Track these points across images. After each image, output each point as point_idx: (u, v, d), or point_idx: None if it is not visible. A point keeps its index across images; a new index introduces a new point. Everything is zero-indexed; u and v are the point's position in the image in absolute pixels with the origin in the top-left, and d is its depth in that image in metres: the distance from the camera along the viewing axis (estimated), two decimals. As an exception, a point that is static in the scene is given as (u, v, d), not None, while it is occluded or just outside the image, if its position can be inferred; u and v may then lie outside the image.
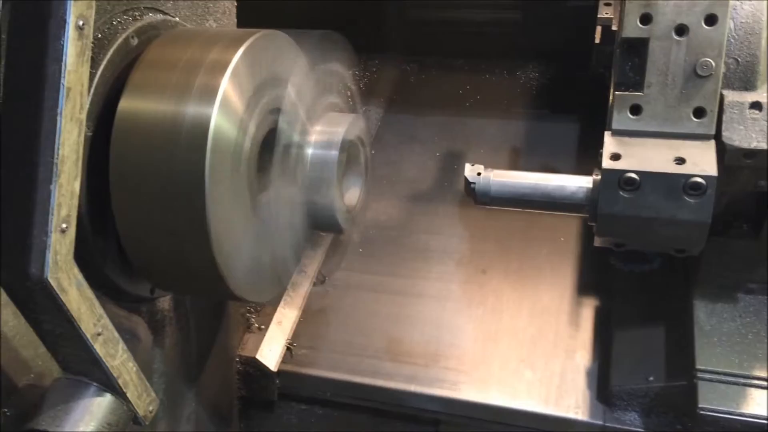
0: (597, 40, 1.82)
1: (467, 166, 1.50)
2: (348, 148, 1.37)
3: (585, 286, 1.91)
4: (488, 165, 1.52)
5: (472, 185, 1.50)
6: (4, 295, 1.02)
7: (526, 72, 2.41)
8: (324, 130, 1.34)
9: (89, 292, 1.04)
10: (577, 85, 2.26)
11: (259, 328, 1.82)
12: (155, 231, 1.20)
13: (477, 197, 1.50)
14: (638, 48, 1.37)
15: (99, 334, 1.06)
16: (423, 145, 2.32)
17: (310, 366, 1.82)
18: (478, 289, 1.96)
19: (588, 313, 1.87)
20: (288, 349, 1.82)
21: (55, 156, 0.97)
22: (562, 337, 1.82)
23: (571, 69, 2.30)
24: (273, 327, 1.83)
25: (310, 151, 1.33)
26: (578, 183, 1.45)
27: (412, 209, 2.18)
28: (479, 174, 1.50)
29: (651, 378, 1.61)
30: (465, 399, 1.74)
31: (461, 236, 2.09)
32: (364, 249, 2.07)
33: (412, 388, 1.77)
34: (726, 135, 1.32)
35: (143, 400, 1.17)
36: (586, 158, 1.51)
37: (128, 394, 1.13)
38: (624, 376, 1.65)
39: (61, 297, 0.99)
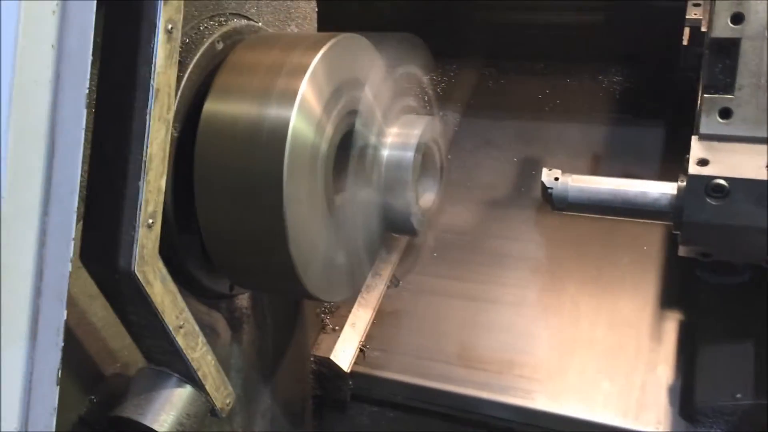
0: (685, 42, 1.75)
1: (544, 171, 1.48)
2: (424, 150, 1.37)
3: (668, 297, 1.84)
4: (567, 171, 1.49)
5: (550, 190, 1.47)
6: (95, 288, 1.07)
7: (608, 75, 2.34)
8: (400, 132, 1.35)
9: (172, 286, 1.08)
10: (662, 89, 2.18)
11: (333, 329, 1.85)
12: (235, 229, 1.23)
13: (554, 203, 1.47)
14: (729, 49, 1.31)
15: (181, 327, 1.10)
16: (500, 149, 2.29)
17: (383, 368, 1.82)
18: (555, 296, 1.92)
19: (671, 325, 1.79)
20: (361, 350, 1.83)
21: (144, 154, 1.01)
22: (643, 350, 1.76)
23: (656, 72, 2.23)
24: (347, 328, 1.85)
25: (385, 152, 1.33)
26: (662, 189, 1.40)
27: (488, 214, 2.15)
28: (556, 179, 1.47)
29: (739, 395, 1.53)
30: (539, 408, 1.71)
31: (538, 242, 2.05)
32: (439, 253, 2.06)
33: (485, 395, 1.75)
34: (822, 141, 1.25)
35: (221, 392, 1.20)
36: (672, 166, 1.45)
37: (207, 387, 1.17)
38: (709, 392, 1.58)
39: (147, 289, 1.03)
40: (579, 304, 1.88)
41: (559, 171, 1.48)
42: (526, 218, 2.10)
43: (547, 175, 1.48)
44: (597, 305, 1.87)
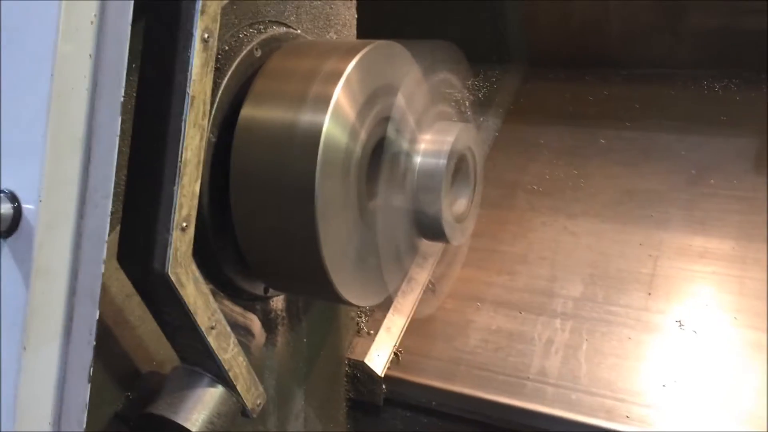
0: None
1: None
2: (458, 157, 1.37)
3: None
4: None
5: None
6: (132, 287, 1.11)
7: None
8: (433, 139, 1.34)
9: (205, 288, 1.10)
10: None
11: (368, 333, 1.85)
12: (269, 232, 1.25)
13: None
14: None
15: (212, 328, 1.12)
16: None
17: (417, 373, 1.81)
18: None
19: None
20: (395, 355, 1.83)
21: (179, 159, 1.03)
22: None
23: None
24: (382, 333, 1.85)
25: (418, 159, 1.33)
26: None
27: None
28: None
29: None
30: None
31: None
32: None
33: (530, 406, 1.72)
34: None
35: (252, 393, 1.22)
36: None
37: (238, 387, 1.18)
38: None
39: (179, 291, 1.05)
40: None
41: None
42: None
43: None
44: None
